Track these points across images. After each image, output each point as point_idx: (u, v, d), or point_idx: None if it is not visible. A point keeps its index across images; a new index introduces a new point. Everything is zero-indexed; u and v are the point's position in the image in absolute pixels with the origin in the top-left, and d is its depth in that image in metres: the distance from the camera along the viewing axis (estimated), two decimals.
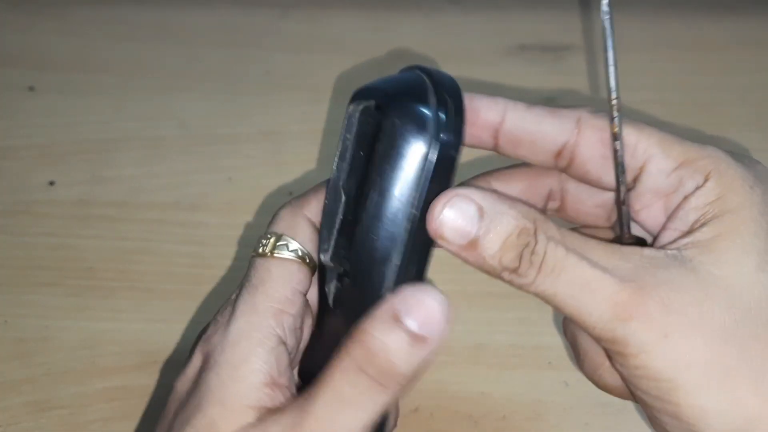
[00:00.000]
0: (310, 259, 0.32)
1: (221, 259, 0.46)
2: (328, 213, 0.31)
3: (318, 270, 0.32)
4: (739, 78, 0.57)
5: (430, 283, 0.29)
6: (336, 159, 0.31)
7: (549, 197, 0.34)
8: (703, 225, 0.29)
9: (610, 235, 0.34)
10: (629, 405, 0.40)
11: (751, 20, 0.60)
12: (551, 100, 0.54)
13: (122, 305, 0.44)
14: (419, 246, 0.29)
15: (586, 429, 0.40)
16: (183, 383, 0.31)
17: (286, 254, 0.31)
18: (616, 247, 0.29)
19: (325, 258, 0.31)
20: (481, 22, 0.60)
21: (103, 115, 0.54)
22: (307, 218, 0.32)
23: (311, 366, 0.32)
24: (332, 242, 0.31)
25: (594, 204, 0.34)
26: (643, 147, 0.31)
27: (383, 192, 0.28)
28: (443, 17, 0.61)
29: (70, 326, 0.44)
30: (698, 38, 0.60)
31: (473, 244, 0.28)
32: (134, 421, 0.40)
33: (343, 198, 0.30)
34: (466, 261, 0.29)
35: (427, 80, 0.29)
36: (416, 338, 0.26)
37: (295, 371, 0.33)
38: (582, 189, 0.34)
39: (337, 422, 0.27)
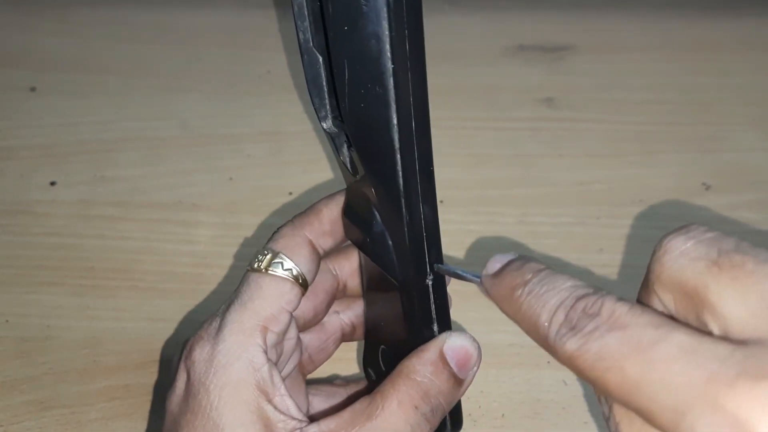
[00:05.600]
0: (303, 279, 0.32)
1: (222, 259, 0.46)
2: (311, 80, 0.29)
3: (330, 141, 0.30)
4: (739, 78, 0.57)
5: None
6: (295, 22, 0.28)
7: None
8: None
9: None
10: None
11: (751, 20, 0.61)
12: (550, 100, 0.54)
13: (123, 304, 0.45)
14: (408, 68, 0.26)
15: (584, 428, 0.40)
16: (175, 403, 0.30)
17: (280, 272, 0.31)
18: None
19: (328, 125, 0.30)
20: (480, 23, 0.60)
21: (104, 115, 0.54)
22: (306, 239, 0.32)
23: (353, 215, 0.32)
24: (327, 107, 0.29)
25: None
26: None
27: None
28: (442, 18, 0.61)
29: (71, 325, 0.44)
30: (698, 38, 0.60)
31: None
32: (135, 420, 0.40)
33: (320, 58, 0.28)
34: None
35: None
36: (458, 381, 0.30)
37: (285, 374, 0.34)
38: None
39: None
